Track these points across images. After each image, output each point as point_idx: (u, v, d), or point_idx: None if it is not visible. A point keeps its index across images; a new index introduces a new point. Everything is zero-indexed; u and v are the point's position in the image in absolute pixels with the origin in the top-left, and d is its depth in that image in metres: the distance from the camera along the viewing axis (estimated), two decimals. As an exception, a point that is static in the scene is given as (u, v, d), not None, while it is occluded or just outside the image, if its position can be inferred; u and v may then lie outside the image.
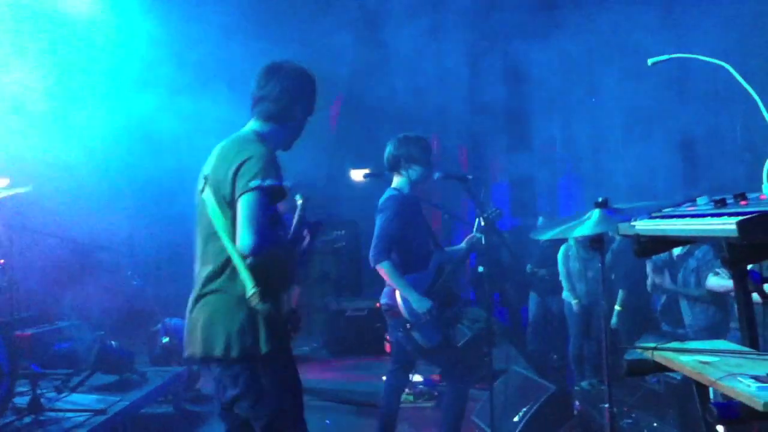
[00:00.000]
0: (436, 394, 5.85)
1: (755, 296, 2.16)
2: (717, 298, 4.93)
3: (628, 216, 2.47)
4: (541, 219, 7.68)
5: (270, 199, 2.42)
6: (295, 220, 2.76)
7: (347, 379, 6.76)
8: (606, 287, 3.06)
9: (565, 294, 6.73)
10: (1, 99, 5.94)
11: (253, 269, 2.39)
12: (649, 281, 5.57)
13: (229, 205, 2.45)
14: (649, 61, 2.18)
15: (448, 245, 4.41)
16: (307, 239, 2.75)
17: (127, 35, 6.43)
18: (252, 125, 2.68)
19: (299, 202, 2.80)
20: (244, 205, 2.36)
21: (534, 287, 7.68)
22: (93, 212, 6.24)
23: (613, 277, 6.25)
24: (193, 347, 2.52)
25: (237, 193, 2.40)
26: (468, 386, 4.09)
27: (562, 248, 6.77)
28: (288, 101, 2.65)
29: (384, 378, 4.30)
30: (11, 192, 4.23)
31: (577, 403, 4.98)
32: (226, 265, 2.46)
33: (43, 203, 5.72)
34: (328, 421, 5.33)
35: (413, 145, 4.06)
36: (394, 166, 4.08)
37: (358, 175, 9.04)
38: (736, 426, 1.96)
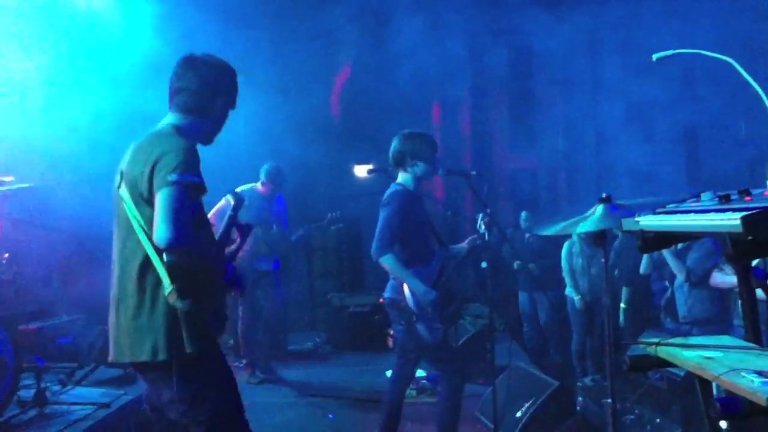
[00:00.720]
0: (439, 390, 5.86)
1: (759, 293, 2.16)
2: (713, 292, 4.95)
3: (632, 212, 2.47)
4: (524, 214, 7.61)
5: (189, 195, 2.31)
6: (224, 221, 2.68)
7: (350, 375, 6.77)
8: (609, 283, 3.06)
9: (568, 290, 6.73)
10: (4, 92, 5.95)
11: (171, 267, 2.28)
12: (643, 264, 5.59)
13: (146, 202, 2.35)
14: (654, 57, 2.17)
15: (450, 242, 4.42)
16: (237, 241, 2.68)
17: (132, 27, 6.42)
18: (169, 119, 2.58)
19: (231, 202, 2.76)
20: (161, 200, 2.26)
21: (522, 284, 7.65)
22: (97, 206, 6.24)
23: (616, 273, 6.25)
24: (120, 353, 2.43)
25: (155, 188, 2.30)
26: (463, 384, 4.10)
27: (566, 245, 6.77)
28: (207, 93, 2.57)
29: (388, 373, 4.31)
30: (15, 187, 4.24)
31: (579, 399, 4.99)
32: (145, 264, 2.36)
33: (48, 197, 5.74)
34: (331, 416, 5.35)
35: (419, 142, 4.05)
36: (400, 162, 4.08)
37: (361, 170, 9.04)
38: (739, 421, 1.96)
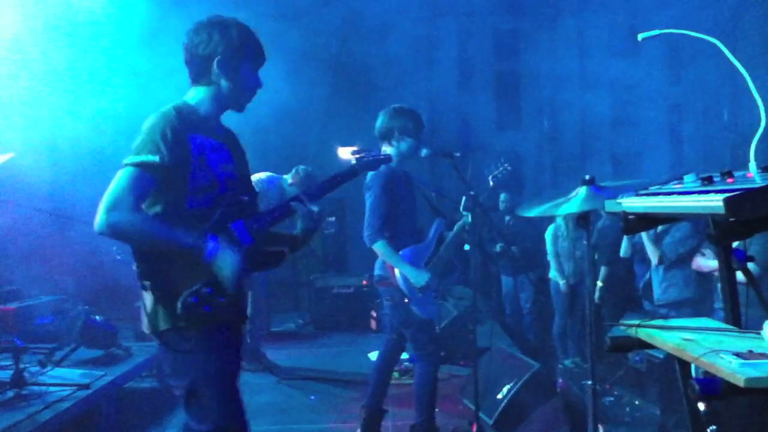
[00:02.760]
0: (415, 370, 5.88)
1: (739, 275, 2.16)
2: (687, 275, 5.00)
3: (615, 193, 2.46)
4: (503, 195, 7.59)
5: (139, 176, 2.27)
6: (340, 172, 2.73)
7: (332, 356, 6.77)
8: (591, 265, 3.07)
9: (552, 273, 6.75)
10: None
11: (132, 247, 2.37)
12: (623, 246, 5.64)
13: None
14: (639, 36, 2.15)
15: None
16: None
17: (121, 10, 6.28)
18: (187, 94, 2.55)
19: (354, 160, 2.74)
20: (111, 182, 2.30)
21: (503, 267, 7.67)
22: (76, 185, 6.16)
23: (596, 256, 6.28)
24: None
25: None
26: (438, 365, 4.12)
27: (551, 228, 6.79)
28: (201, 58, 2.45)
29: (370, 355, 4.32)
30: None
31: (560, 380, 5.03)
32: None
33: (26, 175, 5.64)
34: (312, 397, 5.36)
35: (408, 118, 4.04)
36: (386, 137, 4.05)
37: (345, 152, 8.98)
38: (716, 402, 1.98)
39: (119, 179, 2.27)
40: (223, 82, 2.49)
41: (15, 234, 5.75)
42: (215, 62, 2.45)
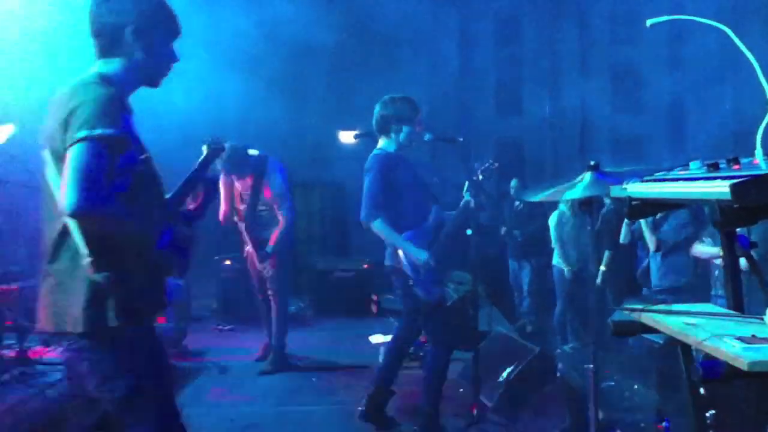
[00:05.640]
0: (421, 354, 5.91)
1: (742, 262, 2.18)
2: (685, 262, 5.03)
3: (620, 179, 2.47)
4: (514, 181, 7.68)
5: (103, 151, 2.01)
6: (188, 176, 2.47)
7: (332, 339, 6.81)
8: (596, 251, 3.09)
9: (556, 260, 6.76)
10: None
11: (87, 234, 2.07)
12: (622, 233, 5.67)
13: (61, 160, 2.05)
14: (648, 22, 2.16)
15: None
16: (200, 198, 2.44)
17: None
18: (96, 67, 2.28)
19: (204, 151, 2.52)
20: (69, 160, 2.00)
21: (511, 251, 7.72)
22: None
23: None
24: (43, 321, 2.23)
25: (65, 146, 2.03)
26: (451, 349, 4.15)
27: (555, 214, 6.79)
28: (115, 29, 2.23)
29: (371, 338, 4.35)
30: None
31: (559, 365, 5.06)
32: (64, 232, 2.14)
33: (25, 155, 5.62)
34: (314, 379, 5.40)
35: (402, 105, 4.03)
36: (384, 128, 4.06)
37: (346, 136, 8.98)
38: (715, 386, 2.00)
39: (81, 155, 2.00)
40: (138, 54, 2.27)
41: (16, 214, 5.75)
42: (129, 31, 2.24)
